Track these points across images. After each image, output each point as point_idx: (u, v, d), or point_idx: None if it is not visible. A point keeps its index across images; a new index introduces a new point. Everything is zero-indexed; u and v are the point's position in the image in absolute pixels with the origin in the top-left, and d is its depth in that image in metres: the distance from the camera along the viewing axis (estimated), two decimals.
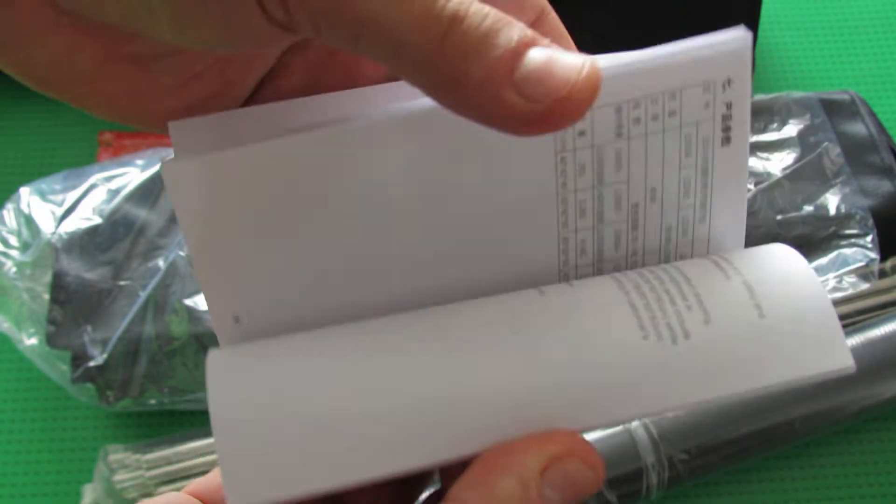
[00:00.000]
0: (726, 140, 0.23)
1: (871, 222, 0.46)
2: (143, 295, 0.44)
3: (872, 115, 0.51)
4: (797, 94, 0.51)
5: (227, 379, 0.21)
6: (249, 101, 0.24)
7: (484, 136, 0.19)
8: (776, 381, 0.21)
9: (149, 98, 0.22)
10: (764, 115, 0.51)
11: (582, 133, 0.22)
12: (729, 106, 0.22)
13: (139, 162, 0.48)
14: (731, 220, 0.24)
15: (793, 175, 0.48)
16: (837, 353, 0.21)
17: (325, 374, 0.21)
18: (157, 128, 0.23)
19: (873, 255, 0.45)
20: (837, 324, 0.22)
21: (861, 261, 0.45)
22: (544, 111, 0.17)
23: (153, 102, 0.22)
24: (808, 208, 0.47)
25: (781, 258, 0.22)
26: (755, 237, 0.46)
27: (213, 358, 0.22)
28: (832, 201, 0.47)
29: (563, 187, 0.23)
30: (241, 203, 0.22)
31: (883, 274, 0.46)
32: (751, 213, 0.47)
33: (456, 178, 0.22)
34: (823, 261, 0.45)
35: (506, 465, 0.20)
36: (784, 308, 0.21)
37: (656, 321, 0.21)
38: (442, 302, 0.23)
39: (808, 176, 0.48)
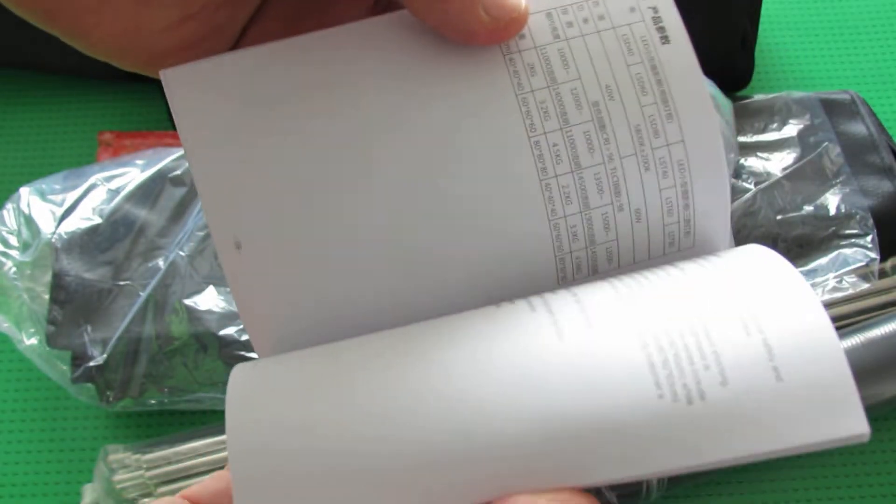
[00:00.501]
0: (665, 39, 0.25)
1: (871, 222, 0.46)
2: (143, 295, 0.44)
3: (872, 115, 0.51)
4: (797, 94, 0.51)
5: (245, 411, 0.22)
6: (236, 43, 0.26)
7: (438, 55, 0.24)
8: (788, 447, 0.21)
9: (146, 35, 0.24)
10: (764, 115, 0.51)
11: (522, 36, 0.25)
12: (655, 10, 0.25)
13: (139, 162, 0.48)
14: (699, 117, 0.25)
15: (793, 175, 0.48)
16: (853, 420, 0.21)
17: (337, 415, 0.22)
18: (150, 68, 0.25)
19: (873, 255, 0.45)
20: (854, 390, 0.21)
21: (861, 261, 0.45)
22: (503, 25, 0.24)
23: (150, 40, 0.24)
24: (808, 208, 0.47)
25: (806, 311, 0.22)
26: (755, 237, 0.46)
27: (233, 384, 0.22)
28: (832, 201, 0.47)
29: (520, 88, 0.24)
30: (239, 110, 0.24)
31: (883, 274, 0.46)
32: (750, 213, 0.47)
33: (419, 95, 0.25)
34: (823, 261, 0.45)
35: None
36: (802, 372, 0.21)
37: (673, 380, 0.21)
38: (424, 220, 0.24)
39: (808, 176, 0.48)
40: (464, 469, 0.21)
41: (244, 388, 0.23)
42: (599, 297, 0.23)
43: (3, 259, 0.45)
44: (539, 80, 0.24)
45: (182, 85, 0.24)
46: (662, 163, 0.24)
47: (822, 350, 0.21)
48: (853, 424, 0.21)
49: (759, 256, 0.24)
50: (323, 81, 0.25)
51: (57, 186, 0.47)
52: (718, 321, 0.22)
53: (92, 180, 0.47)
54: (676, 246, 0.25)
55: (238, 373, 0.23)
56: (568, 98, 0.24)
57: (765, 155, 0.49)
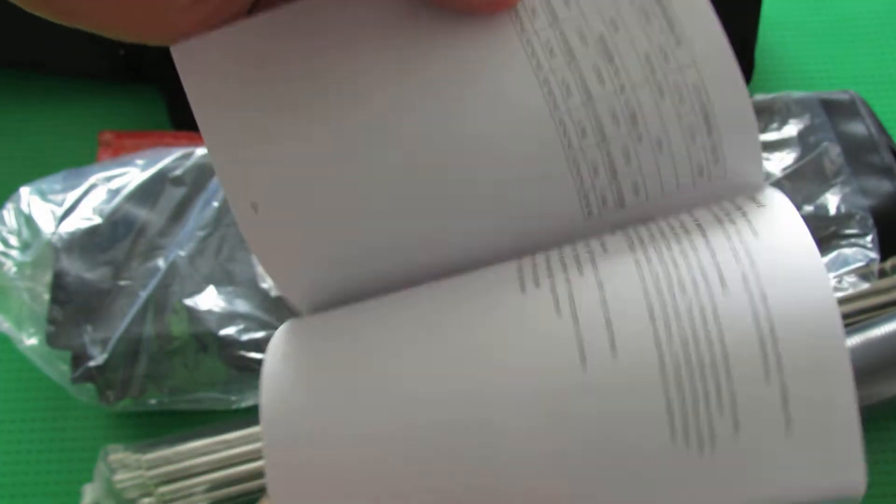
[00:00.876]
0: None
1: (871, 222, 0.46)
2: (143, 295, 0.44)
3: (872, 115, 0.51)
4: (797, 94, 0.51)
5: (276, 404, 0.23)
6: (255, 6, 0.26)
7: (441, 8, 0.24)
8: (787, 499, 0.21)
9: (167, 17, 0.24)
10: (764, 115, 0.51)
11: None
12: None
13: (139, 162, 0.48)
14: (708, 38, 0.24)
15: (793, 175, 0.48)
16: (853, 479, 0.21)
17: (361, 405, 0.22)
18: (174, 43, 0.25)
19: (873, 255, 0.45)
20: (860, 449, 0.21)
21: (861, 261, 0.45)
22: None
23: (171, 20, 0.24)
24: (808, 208, 0.47)
25: (832, 360, 0.21)
26: None
27: (266, 376, 0.23)
28: (832, 201, 0.47)
29: (523, 30, 0.24)
30: (247, 77, 0.25)
31: (883, 274, 0.46)
32: None
33: (423, 46, 0.25)
34: (823, 261, 0.45)
35: None
36: (812, 427, 0.21)
37: (687, 424, 0.21)
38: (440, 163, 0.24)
39: (808, 176, 0.48)
40: (475, 483, 0.21)
41: (276, 379, 0.23)
42: (629, 306, 0.22)
43: (3, 259, 0.45)
44: (541, 22, 0.24)
45: (191, 58, 0.25)
46: (677, 88, 0.24)
47: (838, 409, 0.21)
48: (852, 487, 0.21)
49: (796, 268, 0.23)
50: (327, 42, 0.25)
51: (57, 186, 0.47)
52: (742, 361, 0.21)
53: (92, 180, 0.47)
54: (707, 175, 0.25)
55: (270, 359, 0.24)
56: (572, 35, 0.24)
57: (765, 155, 0.49)
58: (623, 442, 0.21)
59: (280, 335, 0.24)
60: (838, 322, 0.21)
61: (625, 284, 0.23)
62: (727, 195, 0.25)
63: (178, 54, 0.25)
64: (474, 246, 0.25)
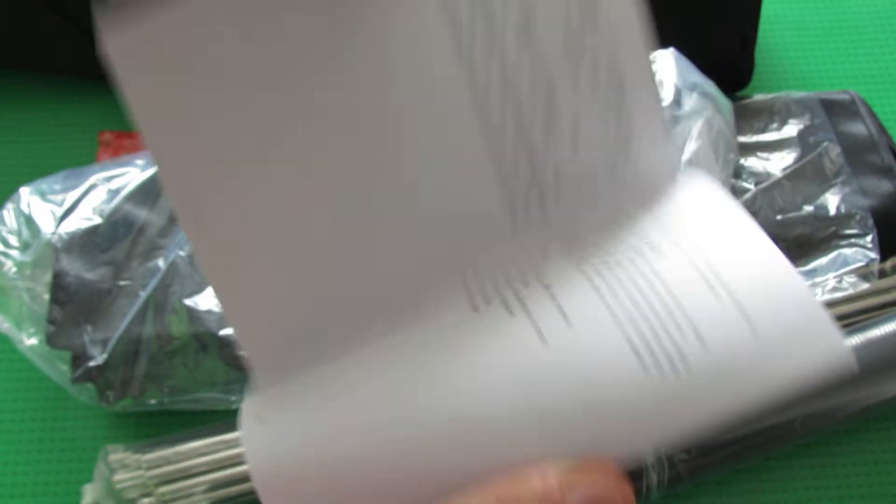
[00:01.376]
0: None
1: (871, 222, 0.46)
2: (143, 295, 0.44)
3: (872, 115, 0.51)
4: (797, 94, 0.51)
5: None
6: None
7: None
8: (779, 389, 0.22)
9: None
10: (764, 115, 0.51)
11: None
12: None
13: (139, 162, 0.48)
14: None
15: (793, 175, 0.48)
16: (835, 351, 0.22)
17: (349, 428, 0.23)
18: None
19: (873, 255, 0.45)
20: (830, 324, 0.22)
21: (861, 261, 0.45)
22: None
23: None
24: (808, 208, 0.47)
25: (764, 256, 0.23)
26: None
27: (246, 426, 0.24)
28: (832, 201, 0.47)
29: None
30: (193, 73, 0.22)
31: (883, 274, 0.46)
32: (751, 213, 0.47)
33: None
34: (823, 261, 0.45)
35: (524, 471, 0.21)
36: (774, 317, 0.22)
37: (655, 354, 0.22)
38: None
39: (808, 176, 0.48)
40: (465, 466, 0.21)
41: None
42: (573, 290, 0.23)
43: (3, 259, 0.45)
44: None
45: (131, 55, 0.21)
46: (596, 50, 0.23)
47: (789, 291, 0.22)
48: (836, 355, 0.22)
49: (709, 206, 0.24)
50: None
51: (57, 186, 0.47)
52: (687, 291, 0.22)
53: (92, 180, 0.47)
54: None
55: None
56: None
57: (765, 155, 0.49)
58: (600, 391, 0.22)
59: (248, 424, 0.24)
60: (753, 225, 0.24)
61: (568, 280, 0.23)
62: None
63: (114, 49, 0.21)
64: (414, 260, 0.24)
